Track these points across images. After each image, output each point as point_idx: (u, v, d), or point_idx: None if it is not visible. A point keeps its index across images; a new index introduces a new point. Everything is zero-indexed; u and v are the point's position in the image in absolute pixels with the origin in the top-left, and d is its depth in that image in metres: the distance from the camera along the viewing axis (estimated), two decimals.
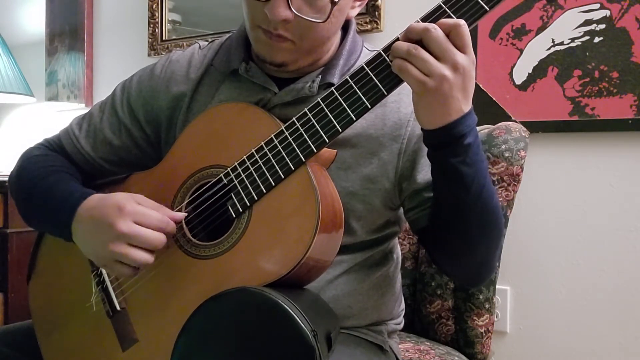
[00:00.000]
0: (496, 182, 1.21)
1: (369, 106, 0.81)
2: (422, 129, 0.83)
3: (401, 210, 1.02)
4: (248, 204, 0.84)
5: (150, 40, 2.27)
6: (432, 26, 0.75)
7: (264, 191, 0.83)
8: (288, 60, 0.91)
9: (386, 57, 0.80)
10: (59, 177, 0.98)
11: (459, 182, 0.82)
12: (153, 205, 0.86)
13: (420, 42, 0.76)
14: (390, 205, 0.98)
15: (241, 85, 0.97)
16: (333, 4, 0.85)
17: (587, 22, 1.48)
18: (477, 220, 0.85)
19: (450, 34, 0.75)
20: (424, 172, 0.92)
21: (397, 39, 0.78)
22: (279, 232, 0.81)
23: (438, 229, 0.90)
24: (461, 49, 0.75)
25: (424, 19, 0.79)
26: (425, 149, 0.92)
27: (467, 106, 0.79)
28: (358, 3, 0.94)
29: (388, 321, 1.06)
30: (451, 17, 0.77)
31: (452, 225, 0.87)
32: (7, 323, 1.95)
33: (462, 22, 0.75)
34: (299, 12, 0.84)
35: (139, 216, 0.83)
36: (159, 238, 0.83)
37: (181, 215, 0.88)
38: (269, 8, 0.84)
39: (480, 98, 1.51)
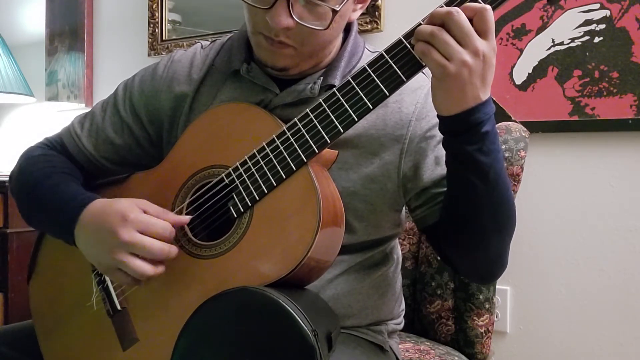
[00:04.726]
0: None
1: (371, 107, 0.81)
2: (438, 116, 0.82)
3: (403, 211, 1.02)
4: (249, 204, 0.84)
5: (150, 40, 2.27)
6: (455, 9, 0.75)
7: (266, 191, 0.83)
8: (289, 65, 0.91)
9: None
10: (61, 178, 0.98)
11: (475, 171, 0.81)
12: (157, 211, 0.85)
13: (443, 27, 0.75)
14: (396, 206, 0.98)
15: (242, 85, 0.97)
16: (334, 12, 0.84)
17: (587, 22, 1.48)
18: (492, 212, 0.85)
19: (475, 18, 0.75)
20: (430, 171, 0.92)
21: (420, 24, 0.78)
22: (280, 232, 0.81)
23: (451, 223, 0.89)
24: (483, 34, 0.75)
25: (448, 3, 0.78)
26: (431, 149, 0.92)
27: (485, 94, 0.78)
28: (359, 6, 0.93)
29: (388, 321, 1.06)
30: (477, 2, 0.76)
31: (466, 218, 0.86)
32: (7, 323, 1.95)
33: (487, 6, 0.75)
34: (300, 20, 0.84)
35: (142, 225, 0.82)
36: (162, 248, 0.82)
37: (186, 219, 0.87)
38: (271, 16, 0.84)
39: None
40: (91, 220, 0.88)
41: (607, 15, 1.46)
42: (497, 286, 1.30)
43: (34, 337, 1.02)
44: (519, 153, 1.22)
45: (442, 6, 0.77)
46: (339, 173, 0.91)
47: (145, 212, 0.84)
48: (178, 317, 0.79)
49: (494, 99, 0.96)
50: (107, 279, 0.94)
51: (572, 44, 1.50)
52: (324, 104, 0.83)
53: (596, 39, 1.47)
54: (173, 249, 0.84)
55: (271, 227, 0.82)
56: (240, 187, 0.85)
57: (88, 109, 1.09)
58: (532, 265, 1.57)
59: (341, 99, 0.82)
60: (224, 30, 2.03)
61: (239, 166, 0.86)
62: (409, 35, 0.79)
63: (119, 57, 2.41)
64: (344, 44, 0.96)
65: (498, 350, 1.60)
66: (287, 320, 0.72)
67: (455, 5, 0.76)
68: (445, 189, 0.90)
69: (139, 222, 0.82)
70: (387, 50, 0.81)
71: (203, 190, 0.90)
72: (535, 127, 1.51)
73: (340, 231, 0.86)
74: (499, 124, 1.26)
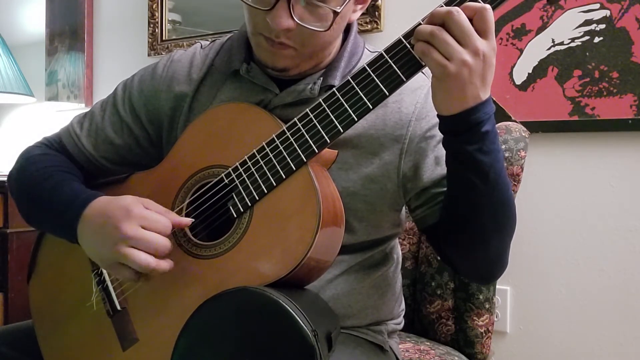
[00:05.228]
0: None
1: (371, 107, 0.81)
2: (438, 115, 0.82)
3: (403, 211, 1.02)
4: (249, 204, 0.84)
5: (150, 40, 2.27)
6: (455, 9, 0.75)
7: (265, 191, 0.83)
8: (290, 65, 0.91)
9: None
10: (62, 177, 0.98)
11: (475, 171, 0.81)
12: (160, 210, 0.86)
13: (443, 27, 0.75)
14: (395, 206, 0.98)
15: (242, 85, 0.97)
16: (335, 13, 0.84)
17: (587, 22, 1.48)
18: (492, 212, 0.85)
19: (474, 17, 0.75)
20: (430, 171, 0.92)
21: (420, 24, 0.78)
22: (280, 232, 0.81)
23: (451, 223, 0.89)
24: (483, 34, 0.75)
25: (448, 2, 0.78)
26: (431, 149, 0.92)
27: (485, 94, 0.78)
28: (359, 6, 0.93)
29: (388, 321, 1.06)
30: (477, 1, 0.76)
31: (466, 218, 0.86)
32: (7, 323, 1.95)
33: (487, 6, 0.75)
34: (301, 21, 0.84)
35: (145, 220, 0.83)
36: (164, 243, 0.83)
37: (187, 220, 0.87)
38: (271, 17, 0.84)
39: None
40: (94, 216, 0.88)
41: (607, 15, 1.46)
42: (497, 286, 1.30)
43: (34, 337, 1.02)
44: (519, 153, 1.22)
45: (442, 6, 0.77)
46: (339, 173, 0.91)
47: (148, 209, 0.85)
48: (178, 317, 0.79)
49: (494, 99, 0.96)
50: (107, 278, 0.94)
51: (572, 44, 1.50)
52: (323, 104, 0.83)
53: (596, 39, 1.47)
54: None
55: (271, 227, 0.82)
56: (240, 187, 0.85)
57: (88, 109, 1.09)
58: (532, 265, 1.57)
59: (341, 98, 0.82)
60: (224, 30, 2.03)
61: (238, 166, 0.86)
62: (408, 35, 0.79)
63: (119, 57, 2.41)
64: (343, 44, 0.96)
65: (498, 350, 1.60)
66: (287, 320, 0.72)
67: (455, 5, 0.76)
68: (445, 188, 0.90)
69: (142, 217, 0.83)
70: (387, 50, 0.81)
71: (203, 190, 0.90)
72: (535, 127, 1.51)
73: (340, 231, 0.86)
74: (499, 124, 1.26)
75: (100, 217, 0.86)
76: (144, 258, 0.82)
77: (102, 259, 0.88)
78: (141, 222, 0.82)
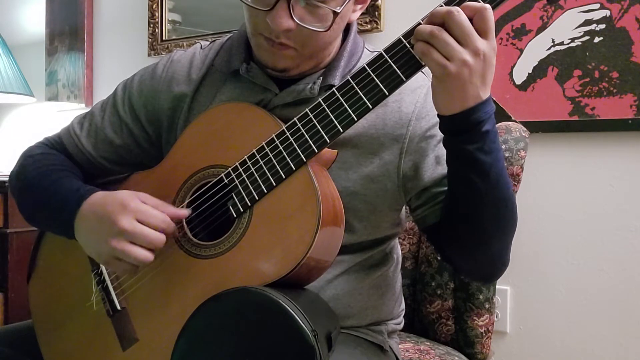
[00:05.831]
0: None
1: (370, 106, 0.81)
2: (438, 115, 0.82)
3: (402, 210, 1.02)
4: (249, 204, 0.84)
5: (150, 40, 2.27)
6: (456, 9, 0.75)
7: (265, 191, 0.83)
8: (290, 66, 0.91)
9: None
10: (61, 175, 0.98)
11: (476, 170, 0.81)
12: (157, 203, 0.86)
13: (443, 26, 0.75)
14: (395, 206, 0.98)
15: (242, 85, 0.97)
16: (335, 14, 0.84)
17: (587, 22, 1.48)
18: (493, 211, 0.85)
19: (475, 17, 0.75)
20: (431, 171, 0.92)
21: (419, 24, 0.78)
22: (279, 232, 0.81)
23: (451, 223, 0.89)
24: (484, 34, 0.75)
25: (448, 2, 0.78)
26: (431, 148, 0.92)
27: (485, 93, 0.78)
28: (359, 6, 0.94)
29: (388, 321, 1.06)
30: (477, 1, 0.76)
31: (467, 217, 0.86)
32: (7, 323, 1.95)
33: (487, 6, 0.75)
34: (301, 22, 0.84)
35: (141, 214, 0.83)
36: (160, 238, 0.83)
37: (185, 212, 0.88)
38: (271, 18, 0.84)
39: None
40: (91, 210, 0.88)
41: (607, 15, 1.46)
42: (497, 286, 1.30)
43: (34, 337, 1.02)
44: (519, 153, 1.22)
45: (442, 5, 0.77)
46: (339, 173, 0.91)
47: (144, 203, 0.85)
48: (178, 317, 0.80)
49: (494, 99, 0.96)
50: (107, 278, 0.94)
51: (572, 44, 1.50)
52: (323, 104, 0.83)
53: (596, 39, 1.47)
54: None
55: (271, 227, 0.82)
56: (240, 187, 0.85)
57: (88, 109, 1.09)
58: (532, 265, 1.57)
59: (340, 98, 0.82)
60: (224, 30, 2.03)
61: (238, 166, 0.86)
62: (408, 34, 0.79)
63: (119, 57, 2.41)
64: (343, 43, 0.96)
65: (498, 350, 1.60)
66: (287, 321, 0.72)
67: (455, 5, 0.76)
68: (446, 188, 0.90)
69: (139, 212, 0.83)
70: (387, 50, 0.80)
71: (203, 190, 0.90)
72: (535, 127, 1.51)
73: (340, 231, 0.86)
74: (499, 124, 1.26)
75: (97, 212, 0.87)
76: (139, 253, 0.83)
77: (98, 254, 0.88)
78: (137, 216, 0.83)
